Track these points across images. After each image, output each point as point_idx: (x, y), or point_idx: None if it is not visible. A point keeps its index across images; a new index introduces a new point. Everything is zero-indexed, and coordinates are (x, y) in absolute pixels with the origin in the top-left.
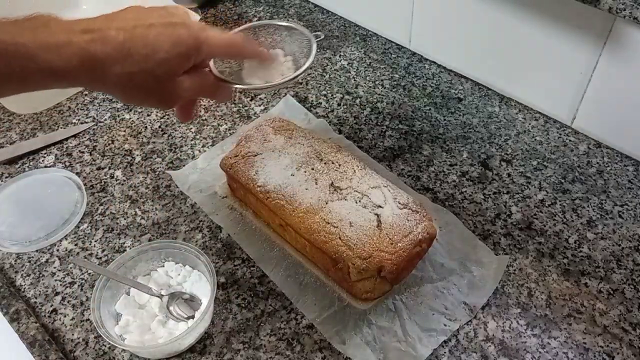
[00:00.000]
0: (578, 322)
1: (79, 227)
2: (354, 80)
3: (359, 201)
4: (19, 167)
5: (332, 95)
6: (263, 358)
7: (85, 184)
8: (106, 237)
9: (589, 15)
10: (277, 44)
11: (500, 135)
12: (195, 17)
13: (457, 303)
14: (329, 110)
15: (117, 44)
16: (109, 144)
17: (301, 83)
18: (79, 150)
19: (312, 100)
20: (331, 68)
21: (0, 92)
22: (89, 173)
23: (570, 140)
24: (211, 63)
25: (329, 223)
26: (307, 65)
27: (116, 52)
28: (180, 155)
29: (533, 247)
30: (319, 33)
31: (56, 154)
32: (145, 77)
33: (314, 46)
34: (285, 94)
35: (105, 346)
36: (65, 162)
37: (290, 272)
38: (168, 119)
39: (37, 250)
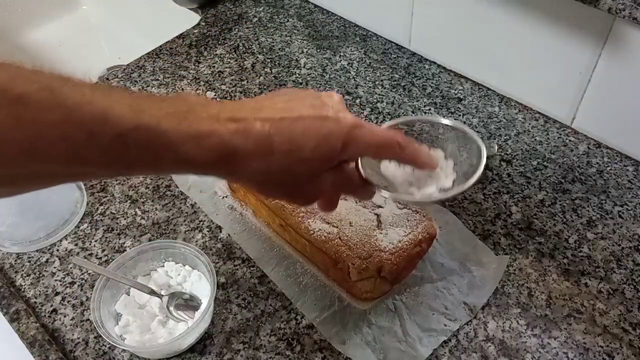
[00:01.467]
0: (578, 322)
1: (79, 227)
2: (354, 80)
3: (359, 201)
4: None
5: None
6: (263, 358)
7: (85, 184)
8: (106, 237)
9: (588, 16)
10: (436, 142)
11: (500, 135)
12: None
13: (457, 303)
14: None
15: (260, 139)
16: None
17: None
18: None
19: None
20: (331, 68)
21: (124, 174)
22: None
23: (570, 140)
24: (359, 163)
25: (329, 223)
26: (473, 180)
27: (257, 148)
28: None
29: (533, 247)
30: (494, 145)
31: None
32: (283, 175)
33: (484, 156)
34: None
35: (105, 346)
36: None
37: (290, 272)
38: None
39: (37, 250)
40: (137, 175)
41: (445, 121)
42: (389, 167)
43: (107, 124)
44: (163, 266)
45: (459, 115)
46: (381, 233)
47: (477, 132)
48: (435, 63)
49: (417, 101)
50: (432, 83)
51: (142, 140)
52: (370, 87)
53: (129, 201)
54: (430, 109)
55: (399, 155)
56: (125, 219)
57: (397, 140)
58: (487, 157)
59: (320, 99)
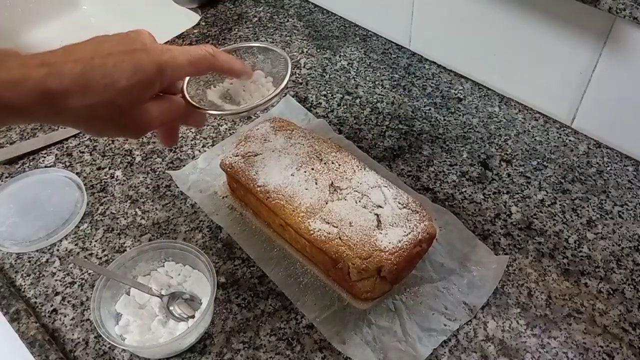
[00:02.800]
0: (578, 322)
1: (79, 227)
2: (354, 80)
3: (359, 201)
4: (19, 167)
5: (332, 95)
6: (263, 358)
7: (85, 184)
8: (106, 237)
9: (588, 15)
10: (256, 65)
11: (500, 135)
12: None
13: (457, 303)
14: (329, 110)
15: (74, 77)
16: (109, 144)
17: (301, 83)
18: (79, 150)
19: (312, 100)
20: (331, 68)
21: None
22: (89, 173)
23: (570, 140)
24: (184, 88)
25: (329, 223)
26: (284, 83)
27: (74, 85)
28: (180, 155)
29: (533, 247)
30: (286, 57)
31: (56, 154)
32: (107, 108)
33: (289, 65)
34: (286, 94)
35: (105, 346)
36: (65, 162)
37: (290, 272)
38: None
39: (37, 250)
40: None
41: (255, 44)
42: (214, 93)
43: None
44: (163, 266)
45: (459, 115)
46: (381, 233)
47: (477, 132)
48: (435, 63)
49: (417, 101)
50: (432, 83)
51: None
52: (370, 87)
53: (129, 201)
54: (430, 109)
55: (213, 64)
56: (125, 219)
57: (208, 51)
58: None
59: (127, 36)
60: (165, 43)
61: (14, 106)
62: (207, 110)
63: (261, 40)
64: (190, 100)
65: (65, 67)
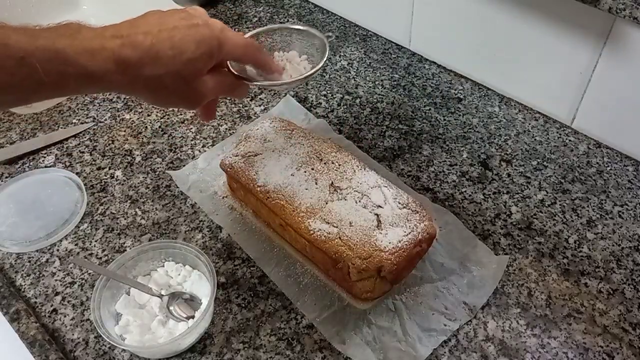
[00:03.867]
0: (578, 322)
1: (79, 227)
2: (354, 80)
3: (359, 201)
4: (19, 167)
5: (332, 95)
6: (263, 358)
7: (85, 184)
8: (106, 237)
9: (589, 15)
10: (290, 45)
11: (500, 135)
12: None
13: (457, 303)
14: (329, 110)
15: (145, 48)
16: (109, 144)
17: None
18: (79, 150)
19: (312, 100)
20: (331, 68)
21: (35, 97)
22: (89, 173)
23: (570, 140)
24: (228, 63)
25: (329, 223)
26: (321, 64)
27: (146, 55)
28: (180, 155)
29: (533, 247)
30: (330, 34)
31: (56, 154)
32: (174, 78)
33: (327, 46)
34: (286, 94)
35: (105, 346)
36: (65, 162)
37: (290, 272)
38: (168, 119)
39: (37, 250)
40: (48, 98)
41: (292, 26)
42: (251, 68)
43: (9, 49)
44: (163, 266)
45: (459, 115)
46: (381, 233)
47: (477, 132)
48: (435, 63)
49: (417, 101)
50: (432, 83)
51: (43, 60)
52: (370, 87)
53: (129, 201)
54: (430, 109)
55: (257, 56)
56: (125, 219)
57: (257, 46)
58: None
59: (186, 11)
60: None
61: (94, 74)
62: (253, 81)
63: (300, 22)
64: (238, 73)
65: (137, 39)
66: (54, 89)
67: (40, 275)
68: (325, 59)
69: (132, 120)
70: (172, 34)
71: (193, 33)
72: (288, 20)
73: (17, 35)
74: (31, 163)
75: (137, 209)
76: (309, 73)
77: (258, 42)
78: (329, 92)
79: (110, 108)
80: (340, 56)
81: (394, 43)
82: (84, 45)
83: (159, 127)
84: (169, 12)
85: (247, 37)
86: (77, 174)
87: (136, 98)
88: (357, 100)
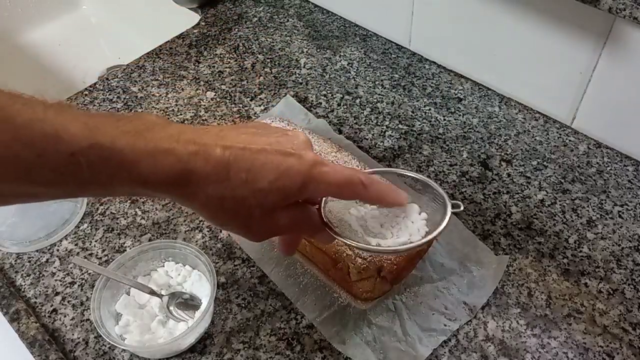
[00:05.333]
0: (578, 322)
1: (79, 227)
2: (354, 80)
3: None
4: None
5: (332, 95)
6: (263, 358)
7: None
8: (106, 237)
9: (589, 15)
10: (410, 194)
11: (500, 135)
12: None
13: (457, 303)
14: (329, 110)
15: (218, 164)
16: None
17: (301, 83)
18: None
19: (312, 100)
20: (331, 68)
21: (76, 195)
22: None
23: (570, 140)
24: (322, 204)
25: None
26: (438, 231)
27: (215, 173)
28: None
29: (533, 247)
30: (459, 203)
31: None
32: (237, 205)
33: (449, 211)
34: (286, 94)
35: (105, 346)
36: None
37: (290, 272)
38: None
39: (37, 250)
40: (91, 197)
41: (414, 175)
42: (357, 216)
43: (60, 143)
44: (163, 266)
45: (459, 115)
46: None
47: (477, 132)
48: (435, 63)
49: (417, 101)
50: (432, 83)
51: (96, 159)
52: (370, 87)
53: (129, 201)
54: (430, 109)
55: (362, 193)
56: (125, 219)
57: (360, 178)
58: (454, 212)
59: (286, 135)
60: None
61: (149, 180)
62: (340, 237)
63: (422, 174)
64: (326, 221)
65: (215, 152)
66: (99, 190)
67: (40, 275)
68: (443, 225)
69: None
70: (254, 156)
71: (279, 162)
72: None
73: (75, 127)
74: None
75: (137, 209)
76: (415, 243)
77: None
78: (329, 92)
79: (110, 108)
80: (340, 56)
81: (394, 43)
82: (148, 147)
83: None
84: (269, 129)
85: (368, 172)
86: None
87: (189, 210)
88: (357, 100)
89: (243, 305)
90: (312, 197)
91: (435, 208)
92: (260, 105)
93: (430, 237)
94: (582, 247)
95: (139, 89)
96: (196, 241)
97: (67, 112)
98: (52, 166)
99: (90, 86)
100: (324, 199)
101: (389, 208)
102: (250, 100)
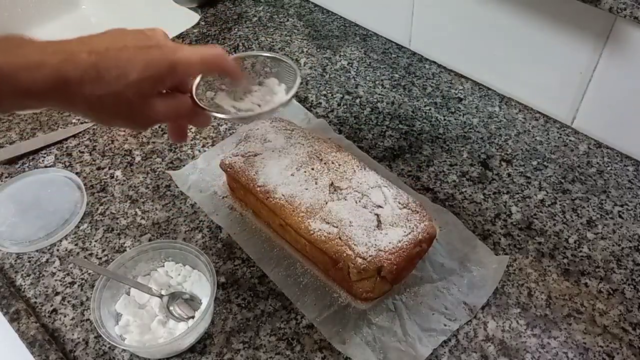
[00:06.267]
0: (578, 322)
1: (79, 227)
2: (354, 80)
3: (359, 201)
4: (19, 167)
5: (332, 95)
6: (263, 358)
7: (85, 184)
8: (106, 237)
9: (589, 15)
10: (271, 74)
11: (500, 135)
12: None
13: (457, 303)
14: (329, 110)
15: (87, 66)
16: (109, 144)
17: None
18: (79, 150)
19: (312, 100)
20: (331, 68)
21: None
22: (89, 173)
23: (570, 140)
24: (193, 88)
25: (329, 223)
26: (290, 95)
27: (86, 74)
28: (180, 155)
29: (533, 247)
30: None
31: (56, 154)
32: (115, 99)
33: (299, 78)
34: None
35: (105, 346)
36: (65, 162)
37: (290, 272)
38: None
39: (37, 250)
40: None
41: (267, 53)
42: (224, 95)
43: None
44: (163, 266)
45: (459, 115)
46: (381, 233)
47: (477, 132)
48: (435, 63)
49: (417, 101)
50: (432, 83)
51: None
52: (370, 86)
53: (129, 201)
54: (430, 109)
55: (222, 65)
56: (125, 219)
57: (220, 51)
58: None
59: (143, 33)
60: None
61: (30, 90)
62: (212, 112)
63: (272, 50)
64: (197, 101)
65: (81, 56)
66: None
67: (40, 275)
68: (294, 90)
69: None
70: (119, 54)
71: (142, 54)
72: (267, 45)
73: None
74: (31, 163)
75: (137, 209)
76: (276, 105)
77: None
78: (329, 92)
79: None
80: (340, 56)
81: (394, 43)
82: (21, 61)
83: (159, 126)
84: (126, 31)
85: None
86: (77, 174)
87: (77, 115)
88: (357, 100)
89: (243, 305)
90: (182, 81)
91: (292, 80)
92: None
93: (288, 96)
94: (582, 247)
95: None
96: (196, 241)
97: None
98: None
99: None
100: (193, 86)
101: (252, 86)
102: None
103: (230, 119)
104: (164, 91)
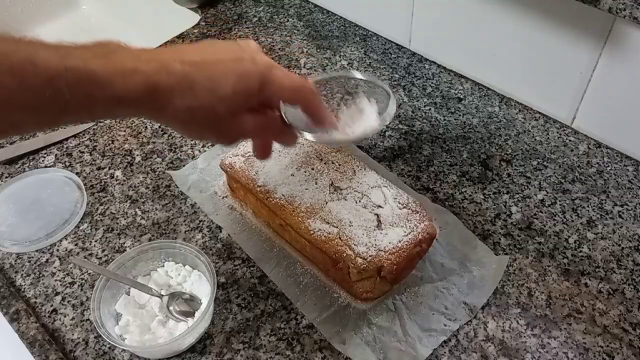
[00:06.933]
0: (578, 322)
1: (79, 227)
2: (354, 80)
3: (359, 201)
4: (19, 167)
5: (332, 95)
6: (263, 358)
7: (85, 184)
8: (106, 237)
9: (589, 15)
10: (361, 93)
11: (500, 135)
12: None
13: (457, 303)
14: (329, 110)
15: (181, 76)
16: (109, 144)
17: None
18: (79, 150)
19: None
20: (331, 68)
21: (62, 120)
22: (89, 173)
23: (570, 140)
24: (282, 105)
25: (329, 223)
26: (384, 120)
27: (179, 85)
28: (180, 155)
29: (533, 247)
30: (397, 96)
31: (56, 154)
32: (206, 112)
33: (393, 102)
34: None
35: (105, 346)
36: (65, 162)
37: (290, 272)
38: None
39: (37, 250)
40: (73, 123)
41: (360, 76)
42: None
43: (37, 68)
44: (163, 266)
45: (459, 115)
46: (381, 233)
47: (477, 132)
48: (435, 63)
49: (417, 101)
50: (432, 83)
51: (72, 81)
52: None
53: (129, 201)
54: (430, 109)
55: (310, 101)
56: (125, 219)
57: (312, 87)
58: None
59: (237, 44)
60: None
61: (123, 98)
62: (304, 132)
63: (367, 73)
64: (286, 119)
65: (174, 66)
66: (80, 112)
67: (40, 275)
68: (392, 115)
69: (132, 120)
70: (213, 67)
71: (235, 67)
72: (362, 71)
73: (47, 53)
74: (31, 163)
75: (137, 209)
76: (368, 130)
77: (321, 88)
78: (329, 92)
79: None
80: (340, 56)
81: (394, 43)
82: (117, 67)
83: (159, 127)
84: (220, 43)
85: (312, 81)
86: (77, 174)
87: (167, 127)
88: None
89: (243, 305)
90: (270, 99)
91: (384, 102)
92: (317, 83)
93: (382, 121)
94: (582, 247)
95: None
96: (196, 241)
97: (37, 42)
98: (33, 90)
99: None
100: (282, 105)
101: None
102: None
103: (319, 141)
104: (255, 107)
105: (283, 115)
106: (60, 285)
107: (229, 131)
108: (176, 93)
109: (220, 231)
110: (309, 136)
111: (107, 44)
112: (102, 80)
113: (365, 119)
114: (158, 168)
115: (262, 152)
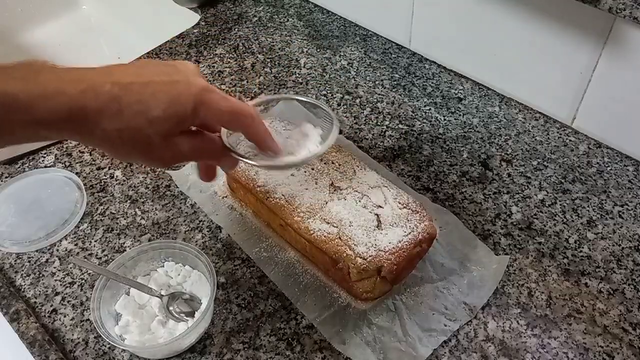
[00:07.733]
0: (578, 322)
1: (79, 227)
2: (354, 80)
3: (359, 201)
4: (19, 167)
5: (332, 95)
6: (263, 358)
7: (85, 184)
8: (106, 237)
9: (589, 15)
10: (306, 118)
11: (500, 135)
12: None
13: (457, 303)
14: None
15: (108, 99)
16: None
17: (301, 83)
18: (79, 150)
19: None
20: (331, 68)
21: None
22: (89, 173)
23: (570, 140)
24: (223, 129)
25: (329, 223)
26: (325, 146)
27: (106, 107)
28: None
29: (533, 247)
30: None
31: (56, 154)
32: (135, 135)
33: (336, 128)
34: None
35: (105, 346)
36: (65, 162)
37: (290, 272)
38: None
39: (37, 250)
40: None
41: (303, 98)
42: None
43: None
44: (163, 266)
45: (459, 115)
46: (381, 233)
47: (477, 132)
48: (435, 63)
49: (417, 101)
50: (432, 83)
51: None
52: (370, 87)
53: (129, 201)
54: (430, 109)
55: (250, 126)
56: (125, 219)
57: (251, 112)
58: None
59: (173, 66)
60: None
61: (44, 120)
62: (241, 158)
63: (307, 95)
64: (227, 144)
65: (103, 88)
66: (3, 135)
67: (40, 275)
68: (331, 141)
69: None
70: (143, 89)
71: (167, 90)
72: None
73: None
74: (31, 163)
75: (136, 209)
76: (310, 155)
77: (264, 109)
78: (329, 92)
79: None
80: (340, 56)
81: (394, 43)
82: (39, 89)
83: None
84: (155, 63)
85: (252, 104)
86: (76, 174)
87: (95, 148)
88: (357, 100)
89: (243, 305)
90: (206, 122)
91: (328, 128)
92: (260, 105)
93: (324, 146)
94: (582, 247)
95: None
96: (196, 241)
97: None
98: None
99: None
100: (223, 128)
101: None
102: (250, 100)
103: (260, 166)
104: (193, 128)
105: (224, 139)
106: (60, 285)
107: (162, 155)
108: (104, 115)
109: (220, 231)
110: (248, 161)
111: (31, 64)
112: (22, 104)
113: (309, 143)
114: (158, 168)
115: (205, 174)
